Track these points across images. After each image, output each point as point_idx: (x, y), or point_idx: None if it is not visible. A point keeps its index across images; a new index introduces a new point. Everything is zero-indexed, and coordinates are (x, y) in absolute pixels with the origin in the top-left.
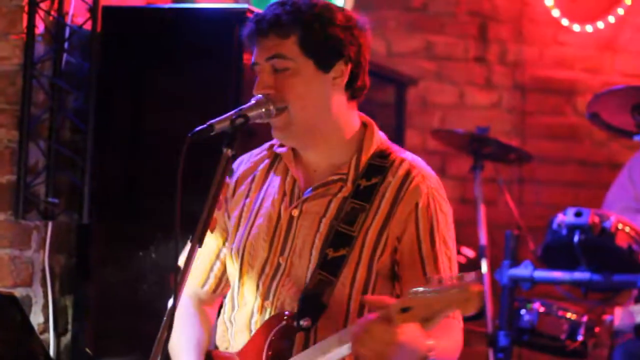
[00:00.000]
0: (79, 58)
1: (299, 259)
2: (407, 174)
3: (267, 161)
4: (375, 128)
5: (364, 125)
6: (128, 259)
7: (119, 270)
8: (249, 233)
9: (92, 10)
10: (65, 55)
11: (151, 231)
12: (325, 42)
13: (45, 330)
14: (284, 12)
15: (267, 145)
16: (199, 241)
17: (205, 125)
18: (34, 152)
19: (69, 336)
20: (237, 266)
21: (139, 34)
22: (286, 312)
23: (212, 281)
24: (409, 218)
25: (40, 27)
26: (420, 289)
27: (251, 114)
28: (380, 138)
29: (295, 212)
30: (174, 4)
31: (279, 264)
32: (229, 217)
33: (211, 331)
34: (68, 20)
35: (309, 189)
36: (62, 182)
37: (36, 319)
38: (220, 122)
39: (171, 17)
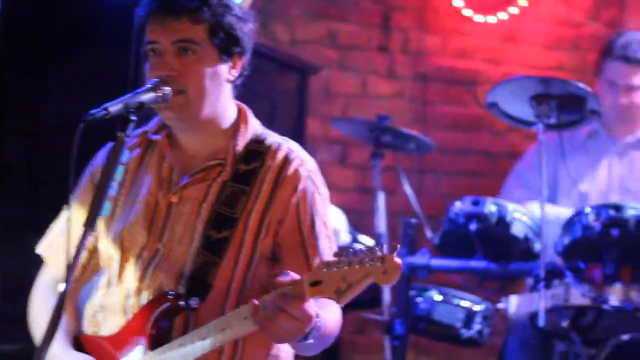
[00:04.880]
0: None
1: (179, 244)
2: (286, 158)
3: (138, 150)
4: (250, 113)
5: (239, 110)
6: (28, 245)
7: (19, 256)
8: (126, 221)
9: None
10: None
11: (51, 217)
12: (230, 32)
13: None
14: None
15: (138, 132)
16: (90, 225)
17: (100, 109)
18: None
19: None
20: (116, 254)
21: (38, 17)
22: (171, 292)
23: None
24: (290, 201)
25: None
26: (330, 262)
27: (146, 97)
28: (254, 123)
29: (175, 199)
30: None
31: (157, 250)
32: None
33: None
34: None
35: (187, 175)
36: None
37: None
38: (115, 106)
39: (70, 1)
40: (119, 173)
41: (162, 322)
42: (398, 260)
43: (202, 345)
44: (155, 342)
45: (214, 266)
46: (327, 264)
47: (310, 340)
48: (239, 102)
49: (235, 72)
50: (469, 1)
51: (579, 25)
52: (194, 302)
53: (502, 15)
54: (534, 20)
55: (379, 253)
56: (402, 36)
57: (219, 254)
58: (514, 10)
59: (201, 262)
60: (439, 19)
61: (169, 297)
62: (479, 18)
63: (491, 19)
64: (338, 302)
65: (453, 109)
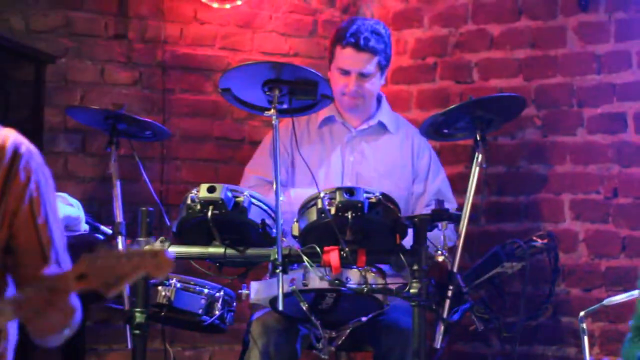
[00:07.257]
0: None
1: None
2: (16, 150)
3: None
4: None
5: None
6: None
7: None
8: None
9: None
10: None
11: None
12: None
13: None
14: None
15: None
16: None
17: None
18: None
19: None
20: None
21: None
22: None
23: None
24: (24, 193)
25: None
26: (94, 256)
27: None
28: None
29: None
30: None
31: None
32: None
33: None
34: None
35: None
36: None
37: None
38: None
39: None
40: None
41: None
42: (169, 254)
43: None
44: None
45: None
46: (92, 258)
47: (67, 332)
48: None
49: None
50: None
51: (315, 11)
52: None
53: (239, 2)
54: (270, 8)
55: (148, 248)
56: (140, 24)
57: None
58: None
59: None
60: (177, 7)
61: None
62: (215, 5)
63: (228, 6)
64: (106, 294)
65: (192, 97)
